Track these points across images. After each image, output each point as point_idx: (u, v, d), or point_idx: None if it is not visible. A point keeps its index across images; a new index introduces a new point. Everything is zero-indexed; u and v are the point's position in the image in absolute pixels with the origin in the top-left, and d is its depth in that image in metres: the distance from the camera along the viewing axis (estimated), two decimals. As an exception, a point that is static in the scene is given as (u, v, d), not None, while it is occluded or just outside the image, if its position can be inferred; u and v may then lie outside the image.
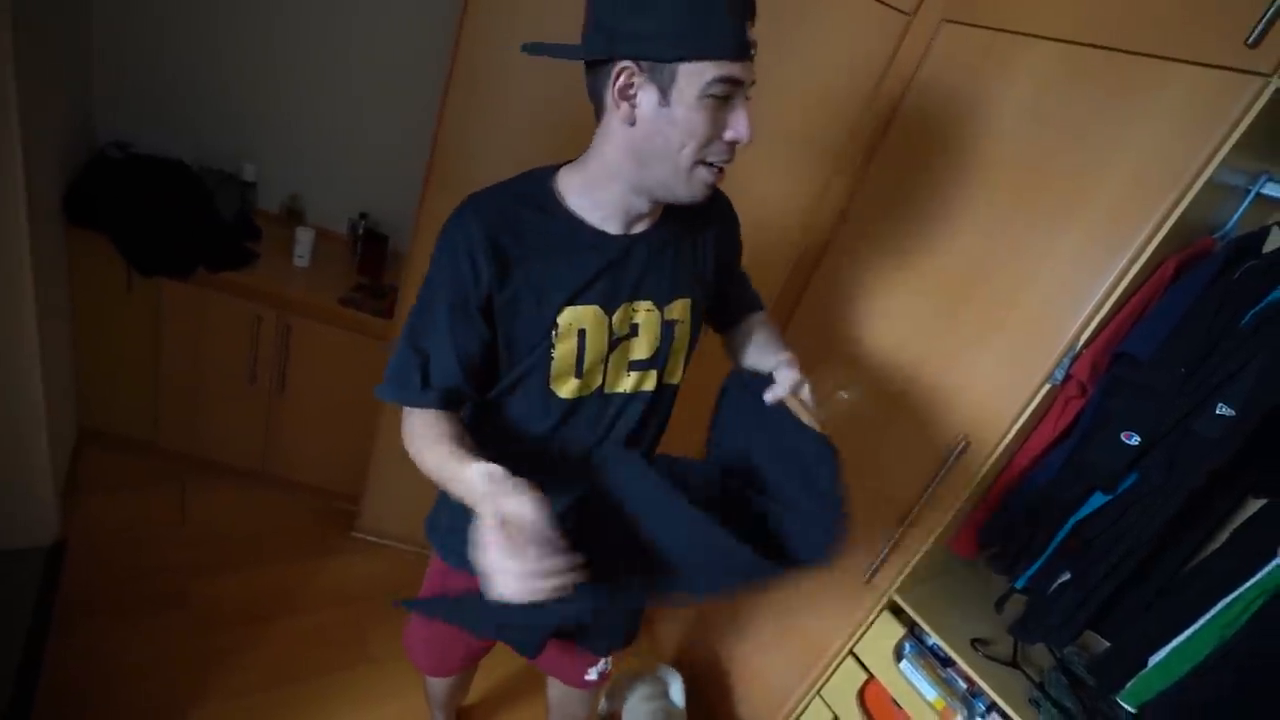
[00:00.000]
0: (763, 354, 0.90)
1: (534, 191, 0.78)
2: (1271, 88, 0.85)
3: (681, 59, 0.64)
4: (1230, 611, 0.96)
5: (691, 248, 0.86)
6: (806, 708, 1.46)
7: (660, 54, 0.64)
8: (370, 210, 1.97)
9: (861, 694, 1.37)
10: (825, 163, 1.42)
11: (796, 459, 0.77)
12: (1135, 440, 0.99)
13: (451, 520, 0.97)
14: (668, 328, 0.85)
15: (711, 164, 0.71)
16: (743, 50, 0.65)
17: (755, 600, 1.59)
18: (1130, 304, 1.02)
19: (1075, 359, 1.05)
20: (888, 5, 1.29)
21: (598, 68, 0.69)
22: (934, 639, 1.24)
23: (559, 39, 0.72)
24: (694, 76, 0.64)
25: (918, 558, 1.23)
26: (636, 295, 0.81)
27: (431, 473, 0.75)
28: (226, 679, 1.45)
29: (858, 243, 1.38)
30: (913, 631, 1.30)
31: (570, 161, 0.80)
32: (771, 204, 1.46)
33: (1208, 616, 0.97)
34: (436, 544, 1.03)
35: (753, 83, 0.69)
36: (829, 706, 1.41)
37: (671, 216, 0.82)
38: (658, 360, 0.86)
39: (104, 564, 1.57)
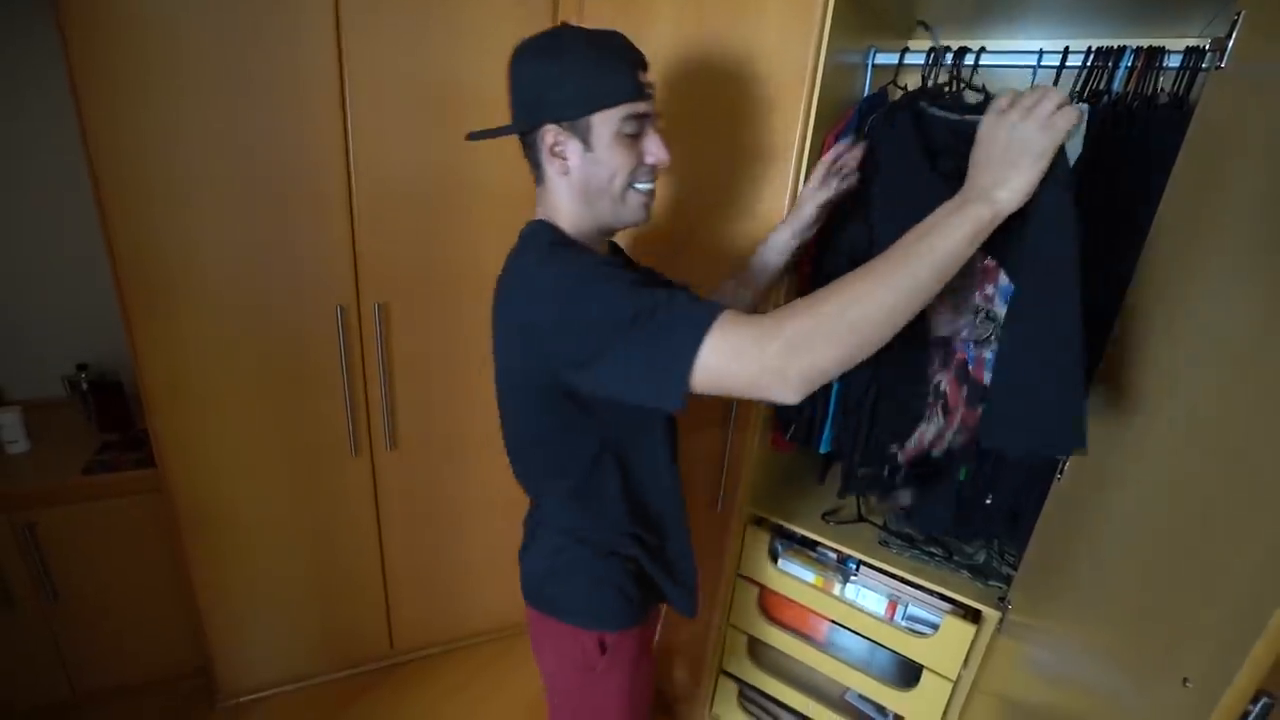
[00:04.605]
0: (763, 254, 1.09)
1: (573, 242, 0.83)
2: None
3: (592, 111, 0.77)
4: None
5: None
6: (725, 642, 1.53)
7: (574, 112, 0.77)
8: (90, 358, 1.71)
9: (761, 605, 1.46)
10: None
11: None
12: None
13: (598, 577, 0.93)
14: None
15: (639, 188, 0.83)
16: (639, 92, 0.78)
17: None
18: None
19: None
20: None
21: (529, 138, 0.81)
22: (794, 529, 1.36)
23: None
24: (606, 122, 0.78)
25: (752, 471, 1.32)
26: None
27: (898, 275, 0.64)
28: None
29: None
30: (779, 532, 1.41)
31: (541, 220, 0.85)
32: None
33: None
34: (575, 618, 0.94)
35: (658, 115, 0.84)
36: (741, 630, 1.49)
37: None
38: None
39: None
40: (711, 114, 1.20)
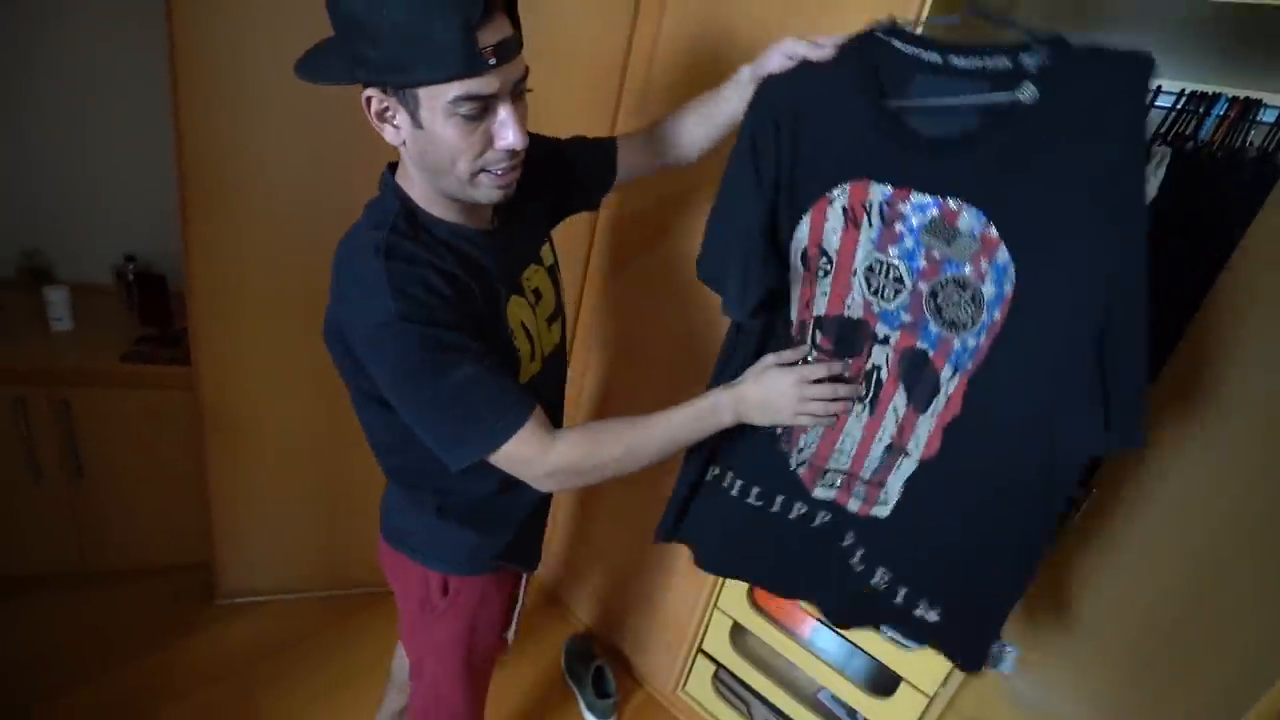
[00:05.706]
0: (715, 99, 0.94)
1: (413, 225, 0.73)
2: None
3: (414, 84, 0.61)
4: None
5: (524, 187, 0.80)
6: (709, 622, 1.55)
7: (393, 80, 0.61)
8: (138, 251, 1.75)
9: (750, 592, 1.48)
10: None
11: None
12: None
13: (437, 524, 0.89)
14: (552, 273, 0.93)
15: (494, 170, 0.69)
16: (474, 63, 0.59)
17: (637, 544, 1.65)
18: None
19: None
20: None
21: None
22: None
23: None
24: (434, 98, 0.61)
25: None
26: (526, 265, 0.86)
27: (649, 451, 0.79)
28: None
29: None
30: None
31: (392, 189, 0.77)
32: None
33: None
34: (422, 556, 0.93)
35: (521, 79, 0.66)
36: (727, 615, 1.52)
37: None
38: (560, 305, 0.94)
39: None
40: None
